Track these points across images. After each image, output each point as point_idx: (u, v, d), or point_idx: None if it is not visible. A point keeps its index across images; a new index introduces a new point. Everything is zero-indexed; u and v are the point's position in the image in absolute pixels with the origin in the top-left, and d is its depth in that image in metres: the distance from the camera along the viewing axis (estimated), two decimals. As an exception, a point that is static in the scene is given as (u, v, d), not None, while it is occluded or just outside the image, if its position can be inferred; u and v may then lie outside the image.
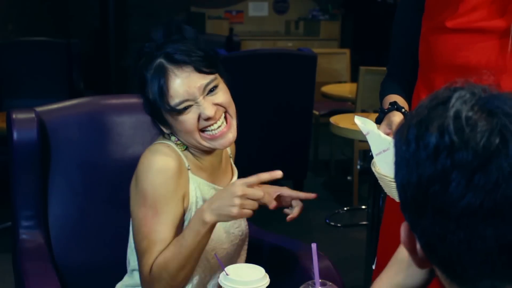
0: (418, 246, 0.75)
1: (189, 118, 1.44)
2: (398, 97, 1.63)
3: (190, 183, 1.50)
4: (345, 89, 4.83)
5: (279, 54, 4.20)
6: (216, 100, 1.46)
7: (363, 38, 7.12)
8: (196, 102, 1.44)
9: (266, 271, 1.38)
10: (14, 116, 1.70)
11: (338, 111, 4.42)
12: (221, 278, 1.34)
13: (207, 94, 1.45)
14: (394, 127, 1.46)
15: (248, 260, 1.63)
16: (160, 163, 1.45)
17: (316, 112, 4.66)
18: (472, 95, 0.71)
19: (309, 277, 1.29)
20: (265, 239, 1.80)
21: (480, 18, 1.51)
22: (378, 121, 1.55)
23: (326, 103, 4.99)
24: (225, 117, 1.49)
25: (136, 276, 1.55)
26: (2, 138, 1.99)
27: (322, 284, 1.28)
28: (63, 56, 4.85)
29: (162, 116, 1.47)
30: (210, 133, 1.46)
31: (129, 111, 1.83)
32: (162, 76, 1.43)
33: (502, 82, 1.50)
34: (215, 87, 1.47)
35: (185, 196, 1.49)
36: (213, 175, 1.57)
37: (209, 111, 1.44)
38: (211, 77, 1.46)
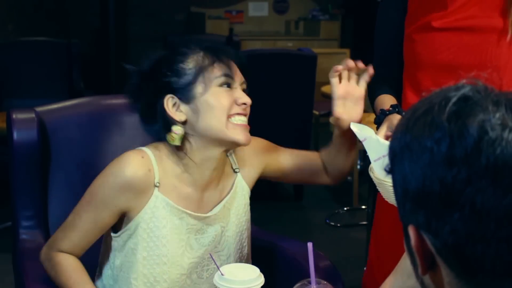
0: (431, 248, 0.72)
1: (227, 95, 1.44)
2: (392, 98, 1.62)
3: (151, 200, 1.45)
4: (345, 89, 4.82)
5: (279, 54, 4.20)
6: (249, 99, 1.48)
7: (363, 38, 7.12)
8: (235, 87, 1.46)
9: (265, 271, 1.38)
10: (14, 116, 1.70)
11: (338, 111, 4.41)
12: (216, 278, 1.35)
13: (244, 90, 1.49)
14: None
15: (248, 260, 1.63)
16: (116, 168, 1.43)
17: (316, 112, 4.66)
18: (496, 91, 0.70)
19: (308, 276, 1.29)
20: (263, 238, 1.80)
21: (468, 16, 1.51)
22: (377, 122, 1.54)
23: (326, 103, 4.96)
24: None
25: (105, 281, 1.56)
26: (2, 138, 1.99)
27: (316, 283, 1.28)
28: (63, 56, 4.85)
29: (191, 91, 1.43)
30: (235, 121, 1.44)
31: (129, 111, 1.83)
32: (216, 51, 1.47)
33: (503, 81, 1.49)
34: (245, 90, 1.50)
35: (130, 211, 1.45)
36: (196, 194, 1.50)
37: (245, 98, 1.45)
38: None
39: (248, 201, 1.61)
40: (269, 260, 1.72)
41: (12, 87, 4.66)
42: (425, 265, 0.74)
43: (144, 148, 1.48)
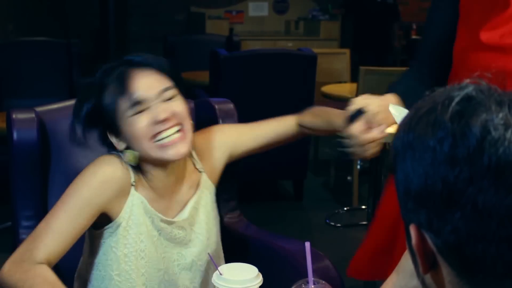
0: (432, 247, 0.72)
1: (141, 121, 1.42)
2: (395, 98, 1.59)
3: (128, 199, 1.48)
4: (345, 89, 4.83)
5: (279, 54, 4.20)
6: (172, 108, 1.44)
7: (363, 38, 7.12)
8: (150, 106, 1.42)
9: (264, 270, 1.38)
10: (14, 116, 1.70)
11: (338, 111, 4.41)
12: (215, 278, 1.35)
13: (164, 101, 1.45)
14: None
15: (246, 260, 1.63)
16: (95, 168, 1.46)
17: (316, 112, 4.65)
18: (499, 91, 0.70)
19: (307, 276, 1.30)
20: (263, 238, 1.80)
21: None
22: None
23: (326, 103, 4.97)
24: (179, 130, 1.45)
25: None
26: (2, 138, 1.99)
27: (315, 283, 1.28)
28: (63, 56, 4.86)
29: (116, 124, 1.45)
30: (160, 142, 1.43)
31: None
32: (124, 75, 1.44)
33: None
34: (173, 96, 1.46)
35: (110, 212, 1.47)
36: (163, 198, 1.53)
37: (163, 114, 1.42)
38: (171, 84, 1.47)
39: (214, 198, 1.63)
40: (269, 260, 1.72)
41: (12, 87, 4.66)
42: (426, 264, 0.74)
43: (115, 153, 1.51)
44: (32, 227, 1.70)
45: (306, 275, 1.28)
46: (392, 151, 0.77)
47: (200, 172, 1.61)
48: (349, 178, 4.66)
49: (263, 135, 1.68)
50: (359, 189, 4.22)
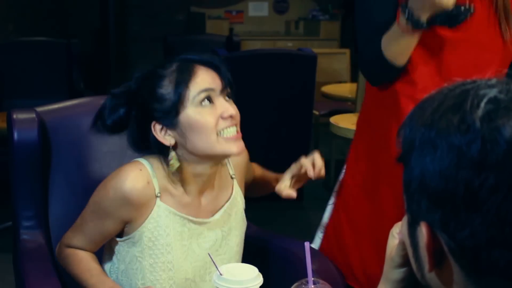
0: (444, 247, 0.71)
1: (210, 113, 1.41)
2: None
3: (154, 210, 1.45)
4: (345, 89, 4.83)
5: (279, 54, 4.20)
6: (235, 108, 1.46)
7: (363, 38, 7.11)
8: (215, 101, 1.42)
9: (264, 270, 1.38)
10: (14, 116, 1.71)
11: (338, 111, 4.42)
12: (215, 278, 1.35)
13: (226, 98, 1.46)
14: None
15: (246, 260, 1.63)
16: (115, 182, 1.43)
17: (316, 112, 4.66)
18: None
19: (307, 276, 1.30)
20: (263, 238, 1.81)
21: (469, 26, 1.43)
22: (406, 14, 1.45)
23: (326, 103, 4.99)
24: (236, 131, 1.46)
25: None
26: (2, 138, 1.99)
27: (315, 283, 1.29)
28: (63, 56, 4.86)
29: (173, 117, 1.42)
30: (224, 136, 1.43)
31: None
32: (187, 67, 1.43)
33: None
34: (231, 96, 1.48)
35: (133, 222, 1.46)
36: (195, 202, 1.51)
37: (232, 110, 1.43)
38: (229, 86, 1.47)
39: (244, 206, 1.63)
40: (269, 260, 1.72)
41: (12, 87, 4.66)
42: (434, 262, 0.73)
43: (141, 160, 1.48)
44: (32, 227, 1.71)
45: (306, 275, 1.29)
46: (404, 141, 0.74)
47: (232, 178, 1.60)
48: (349, 178, 4.65)
49: (256, 173, 1.75)
50: (359, 189, 4.21)
